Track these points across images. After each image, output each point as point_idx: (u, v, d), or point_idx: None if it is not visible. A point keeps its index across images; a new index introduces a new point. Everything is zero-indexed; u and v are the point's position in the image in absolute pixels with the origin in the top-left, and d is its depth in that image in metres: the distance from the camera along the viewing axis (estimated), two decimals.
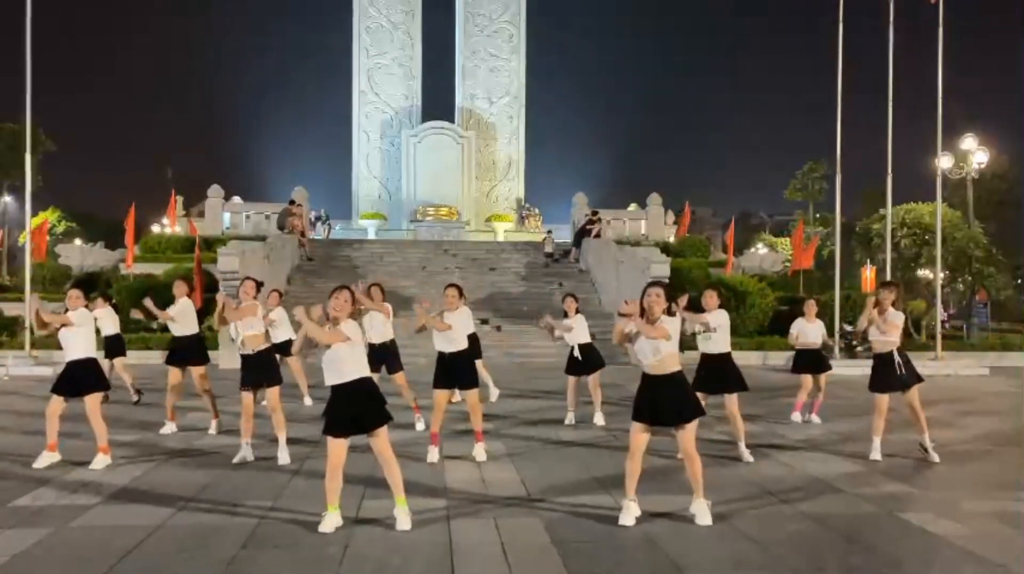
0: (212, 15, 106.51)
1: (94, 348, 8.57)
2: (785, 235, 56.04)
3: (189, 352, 10.44)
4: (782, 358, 19.95)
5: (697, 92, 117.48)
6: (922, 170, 26.97)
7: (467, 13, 41.35)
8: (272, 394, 8.67)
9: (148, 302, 10.56)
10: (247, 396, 8.59)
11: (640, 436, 6.43)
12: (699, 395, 8.61)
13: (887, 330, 8.85)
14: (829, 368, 11.96)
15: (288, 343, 12.53)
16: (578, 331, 10.97)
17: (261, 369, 8.62)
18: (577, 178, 56.46)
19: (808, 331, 11.71)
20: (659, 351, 6.34)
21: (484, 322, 21.69)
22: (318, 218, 35.73)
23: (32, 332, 16.84)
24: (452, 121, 40.78)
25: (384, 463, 6.25)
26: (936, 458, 8.95)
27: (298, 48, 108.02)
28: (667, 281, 19.91)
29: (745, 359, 19.19)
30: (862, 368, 18.11)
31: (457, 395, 9.48)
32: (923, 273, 31.40)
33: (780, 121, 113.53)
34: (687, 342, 7.93)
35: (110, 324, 12.85)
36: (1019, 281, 44.37)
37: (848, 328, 21.06)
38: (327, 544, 5.86)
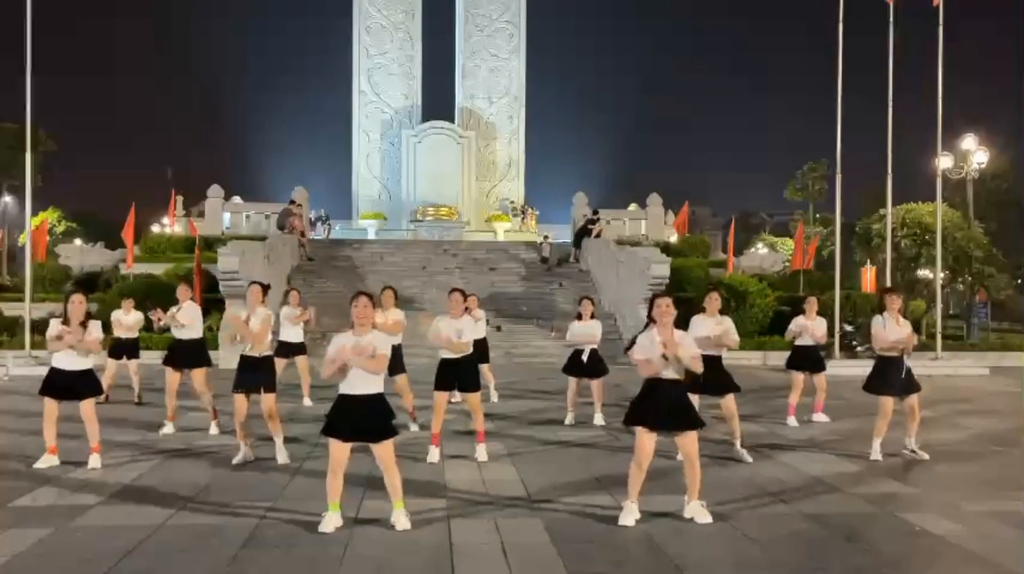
0: (212, 15, 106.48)
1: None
2: (785, 235, 56.08)
3: (192, 355, 10.41)
4: (782, 358, 19.93)
5: (697, 92, 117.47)
6: (922, 170, 26.98)
7: (467, 13, 41.33)
8: (268, 401, 8.55)
9: (159, 313, 10.53)
10: (241, 399, 8.46)
11: (649, 443, 6.39)
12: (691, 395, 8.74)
13: (901, 334, 8.88)
14: (823, 368, 11.86)
15: (299, 345, 12.60)
16: (593, 335, 10.91)
17: (260, 374, 8.51)
18: (577, 178, 56.38)
19: (809, 329, 11.57)
20: (679, 367, 6.33)
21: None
22: (318, 218, 35.73)
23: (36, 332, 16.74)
24: (452, 121, 40.75)
25: (385, 469, 6.23)
26: (926, 456, 9.01)
27: (298, 48, 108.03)
28: (667, 282, 19.91)
29: (745, 359, 19.19)
30: (862, 368, 18.08)
31: (456, 395, 9.46)
32: (923, 273, 31.43)
33: (780, 121, 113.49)
34: None
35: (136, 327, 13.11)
36: (1019, 281, 44.37)
37: (848, 328, 21.06)
38: (327, 544, 5.87)
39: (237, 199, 34.08)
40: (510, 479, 7.95)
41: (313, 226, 33.80)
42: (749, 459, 8.75)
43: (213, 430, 10.12)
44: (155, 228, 39.45)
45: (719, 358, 8.90)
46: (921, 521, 6.63)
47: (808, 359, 11.66)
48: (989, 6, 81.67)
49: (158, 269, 24.41)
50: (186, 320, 10.47)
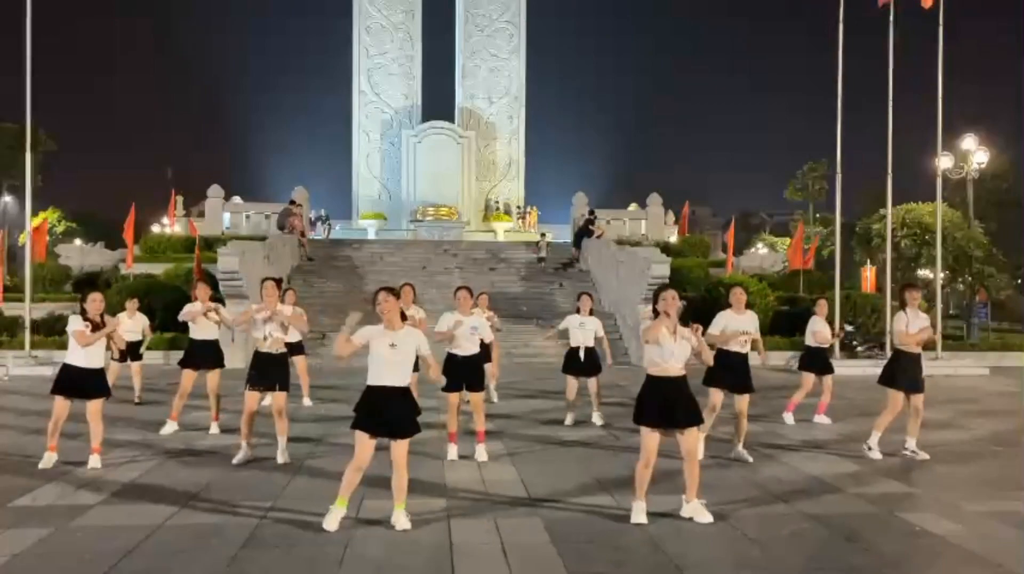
0: (212, 15, 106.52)
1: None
2: (785, 235, 56.08)
3: (209, 356, 10.39)
4: (782, 358, 19.96)
5: (697, 91, 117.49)
6: (922, 170, 26.98)
7: (467, 13, 41.33)
8: (280, 399, 8.61)
9: (213, 306, 10.44)
10: (253, 396, 8.48)
11: (654, 441, 6.41)
12: (715, 390, 8.78)
13: (920, 330, 8.96)
14: (832, 371, 11.97)
15: (298, 345, 12.52)
16: (589, 333, 10.91)
17: (275, 372, 8.52)
18: (577, 178, 56.47)
19: (822, 328, 11.74)
20: (683, 359, 6.40)
21: None
22: (318, 218, 35.74)
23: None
24: (452, 121, 40.77)
25: (396, 469, 6.23)
26: (926, 456, 9.01)
27: (298, 48, 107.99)
28: (667, 282, 19.92)
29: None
30: (862, 368, 18.14)
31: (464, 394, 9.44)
32: (923, 273, 31.44)
33: (780, 121, 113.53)
34: None
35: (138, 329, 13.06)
36: (1019, 281, 44.37)
37: (849, 328, 21.06)
38: (327, 544, 5.86)
39: (237, 199, 34.09)
40: (510, 479, 7.95)
41: (313, 226, 33.82)
42: (749, 459, 8.77)
43: (213, 430, 10.13)
44: (155, 228, 39.47)
45: (746, 356, 8.87)
46: (921, 521, 6.63)
47: (819, 360, 11.77)
48: (989, 6, 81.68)
49: (158, 269, 24.41)
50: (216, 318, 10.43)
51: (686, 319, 6.54)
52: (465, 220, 37.37)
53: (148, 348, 14.31)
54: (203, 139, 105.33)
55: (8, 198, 44.96)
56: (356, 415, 6.19)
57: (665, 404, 6.36)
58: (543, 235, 29.46)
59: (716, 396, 8.84)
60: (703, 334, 6.62)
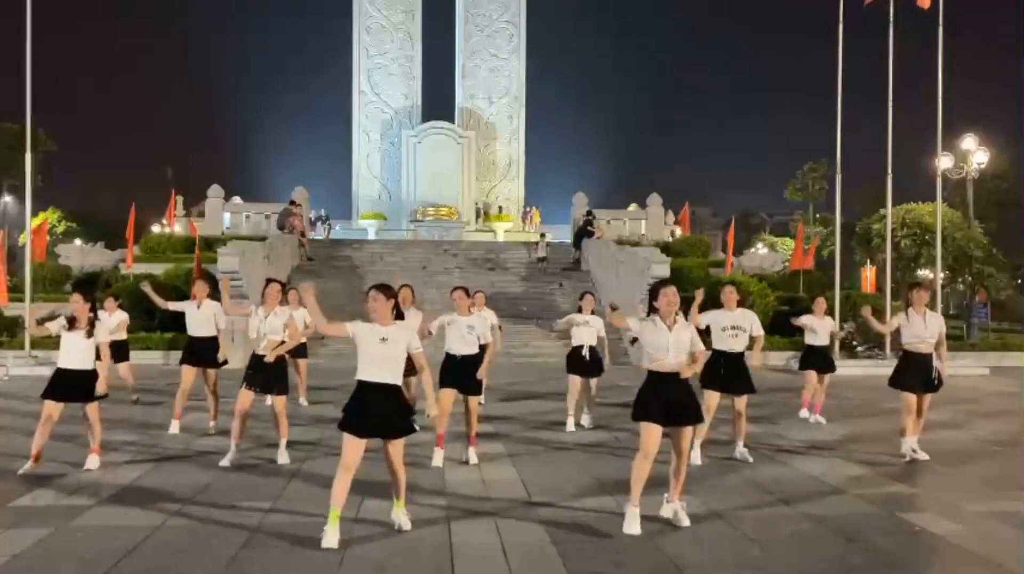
0: (212, 15, 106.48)
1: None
2: (785, 235, 56.08)
3: (208, 353, 10.29)
4: (782, 358, 19.97)
5: (697, 92, 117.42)
6: (922, 170, 26.98)
7: (467, 13, 41.34)
8: (280, 402, 8.61)
9: (234, 301, 10.36)
10: (247, 395, 8.42)
11: (656, 437, 6.23)
12: (711, 392, 8.67)
13: (923, 331, 8.94)
14: (834, 369, 12.05)
15: (302, 346, 12.44)
16: (592, 331, 10.84)
17: (273, 375, 8.47)
18: (577, 178, 56.34)
19: (818, 329, 11.80)
20: (681, 353, 6.28)
21: None
22: (318, 218, 35.75)
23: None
24: (452, 121, 40.78)
25: (393, 471, 6.10)
26: (925, 456, 8.97)
27: (298, 48, 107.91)
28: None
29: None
30: (863, 368, 18.15)
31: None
32: (923, 273, 31.44)
33: (780, 121, 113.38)
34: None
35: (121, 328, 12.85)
36: (1019, 281, 44.37)
37: (848, 328, 21.06)
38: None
39: (237, 199, 34.11)
40: (510, 480, 7.95)
41: (313, 226, 33.83)
42: (750, 459, 8.76)
43: (211, 429, 10.08)
44: (155, 228, 39.47)
45: (742, 355, 8.81)
46: (921, 521, 6.63)
47: (819, 358, 11.84)
48: (989, 6, 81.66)
49: (158, 269, 24.39)
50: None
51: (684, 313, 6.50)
52: (465, 220, 37.38)
53: (147, 348, 14.22)
54: (203, 139, 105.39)
55: (8, 198, 45.00)
56: (344, 415, 5.94)
57: (665, 399, 6.21)
58: (543, 235, 29.03)
59: (712, 398, 8.71)
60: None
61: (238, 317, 10.36)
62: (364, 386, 5.94)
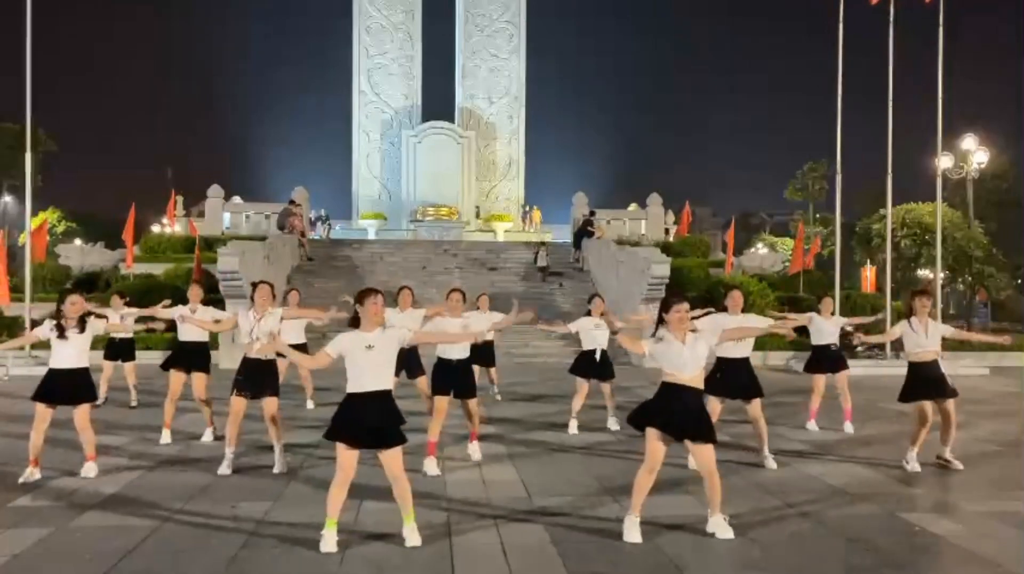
0: (212, 15, 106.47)
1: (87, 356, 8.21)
2: (785, 235, 56.08)
3: (196, 359, 10.05)
4: (782, 358, 19.96)
5: (697, 92, 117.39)
6: (922, 170, 26.98)
7: (467, 13, 41.35)
8: (271, 405, 8.25)
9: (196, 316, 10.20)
10: (240, 402, 8.17)
11: (660, 447, 6.01)
12: (713, 398, 8.40)
13: (922, 340, 8.61)
14: (846, 367, 11.32)
15: (302, 346, 12.33)
16: (605, 334, 10.67)
17: (263, 378, 8.21)
18: (577, 178, 56.32)
19: (824, 329, 11.17)
20: (699, 366, 6.06)
21: None
22: (318, 218, 35.74)
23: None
24: (452, 121, 40.79)
25: (393, 480, 5.84)
26: (960, 465, 8.61)
27: (298, 48, 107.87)
28: (667, 281, 19.91)
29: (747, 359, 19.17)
30: (863, 368, 18.13)
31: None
32: (923, 273, 31.46)
33: (780, 121, 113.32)
34: None
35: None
36: (1019, 281, 44.38)
37: (848, 329, 21.02)
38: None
39: (237, 199, 34.09)
40: (510, 480, 7.95)
41: (313, 226, 33.82)
42: (773, 465, 8.51)
43: (207, 437, 9.85)
44: (155, 228, 39.48)
45: (747, 359, 8.60)
46: (921, 521, 6.62)
47: (828, 360, 11.15)
48: (989, 5, 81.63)
49: (158, 269, 24.42)
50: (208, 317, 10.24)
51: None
52: (465, 220, 37.39)
53: (148, 348, 14.17)
54: (203, 139, 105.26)
55: (8, 198, 45.00)
56: (332, 424, 5.80)
57: (673, 410, 5.99)
58: (543, 244, 27.81)
59: (714, 404, 8.46)
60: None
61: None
62: (354, 398, 5.79)
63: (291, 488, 7.55)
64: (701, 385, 6.14)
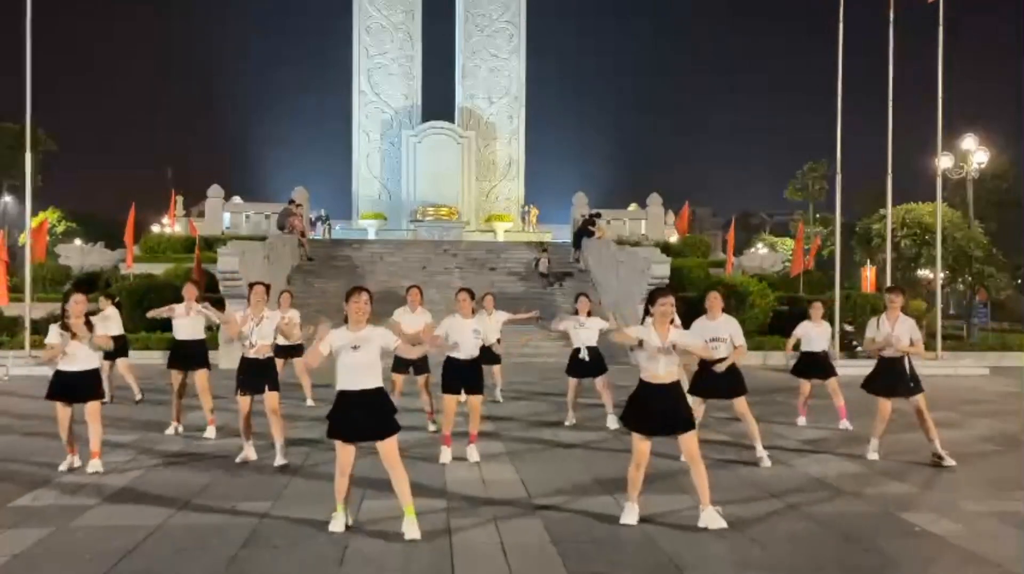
0: (212, 15, 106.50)
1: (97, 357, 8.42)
2: (785, 235, 56.08)
3: (194, 357, 10.29)
4: (782, 358, 19.94)
5: (697, 92, 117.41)
6: (922, 170, 26.99)
7: (467, 13, 41.35)
8: (272, 399, 8.50)
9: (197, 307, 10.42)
10: (245, 400, 8.50)
11: (644, 445, 6.35)
12: (697, 399, 8.45)
13: (900, 336, 8.62)
14: (834, 373, 11.42)
15: (299, 346, 12.33)
16: (590, 333, 10.78)
17: (261, 375, 8.50)
18: (577, 178, 56.30)
19: (813, 336, 11.28)
20: (672, 363, 6.29)
21: None
22: (318, 218, 35.74)
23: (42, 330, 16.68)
24: (452, 121, 40.79)
25: (391, 471, 6.04)
26: (952, 462, 8.68)
27: (298, 48, 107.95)
28: (667, 282, 19.91)
29: (745, 360, 19.15)
30: (864, 368, 18.09)
31: (462, 395, 9.36)
32: (923, 273, 31.47)
33: (780, 121, 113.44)
34: None
35: (115, 325, 12.66)
36: (1019, 281, 44.38)
37: (848, 328, 21.05)
38: (327, 544, 5.86)
39: (237, 199, 34.11)
40: (510, 479, 7.95)
41: (313, 226, 33.82)
42: (768, 463, 8.54)
43: (210, 433, 9.93)
44: (155, 228, 39.47)
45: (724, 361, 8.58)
46: (921, 521, 6.62)
47: (816, 366, 11.28)
48: (989, 5, 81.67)
49: (158, 269, 24.41)
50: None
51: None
52: (465, 220, 37.39)
53: (147, 348, 14.18)
54: (203, 139, 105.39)
55: (8, 198, 44.99)
56: (329, 422, 6.09)
57: (653, 411, 6.25)
58: (545, 250, 27.29)
59: (697, 406, 8.31)
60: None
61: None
62: (344, 395, 6.07)
63: (291, 487, 7.55)
64: (676, 376, 6.41)
